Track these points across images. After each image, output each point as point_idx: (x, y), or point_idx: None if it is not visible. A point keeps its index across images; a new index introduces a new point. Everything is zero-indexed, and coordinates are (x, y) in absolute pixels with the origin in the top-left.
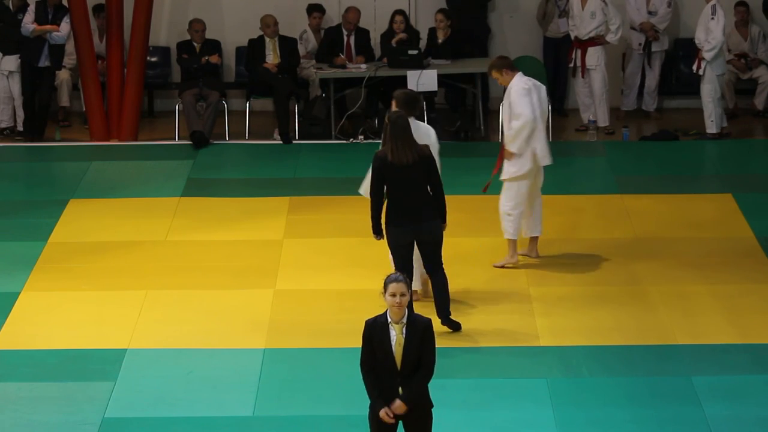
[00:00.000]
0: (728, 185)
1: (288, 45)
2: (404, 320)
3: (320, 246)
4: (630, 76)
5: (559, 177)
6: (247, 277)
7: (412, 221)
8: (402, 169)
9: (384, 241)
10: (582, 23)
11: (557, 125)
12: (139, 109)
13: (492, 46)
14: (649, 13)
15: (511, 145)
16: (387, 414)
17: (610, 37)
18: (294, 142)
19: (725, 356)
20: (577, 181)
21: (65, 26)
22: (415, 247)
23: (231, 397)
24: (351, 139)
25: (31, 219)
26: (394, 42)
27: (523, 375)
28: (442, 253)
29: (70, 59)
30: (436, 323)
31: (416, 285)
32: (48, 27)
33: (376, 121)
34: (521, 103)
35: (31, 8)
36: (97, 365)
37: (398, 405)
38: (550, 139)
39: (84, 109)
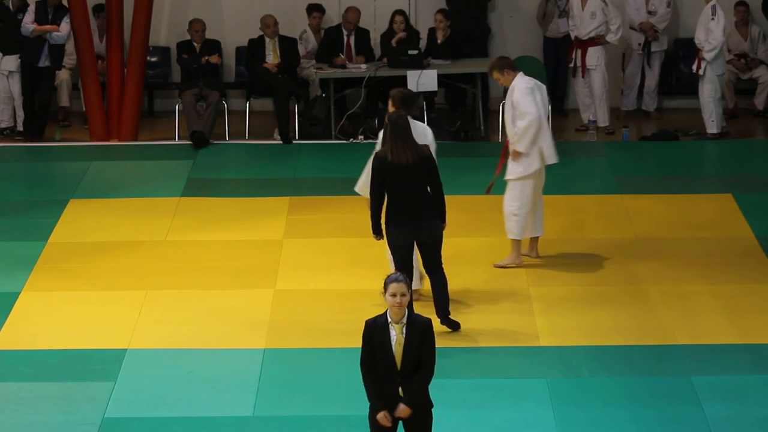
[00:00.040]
0: (728, 185)
1: (288, 45)
2: (404, 320)
3: (320, 246)
4: (630, 76)
5: (559, 177)
6: (247, 277)
7: (412, 221)
8: (402, 169)
9: (383, 242)
10: (582, 23)
11: (557, 125)
12: (139, 109)
13: (492, 46)
14: (649, 12)
15: (518, 145)
16: (385, 417)
17: (611, 37)
18: (294, 142)
19: (725, 356)
20: (577, 181)
21: (65, 26)
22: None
23: (231, 397)
24: (351, 139)
25: (31, 219)
26: (394, 41)
27: (523, 375)
28: (442, 253)
29: (70, 59)
30: (436, 323)
31: (416, 284)
32: (48, 27)
33: (376, 121)
34: (525, 102)
35: (31, 8)
36: (97, 365)
37: (402, 409)
38: None
39: (84, 109)
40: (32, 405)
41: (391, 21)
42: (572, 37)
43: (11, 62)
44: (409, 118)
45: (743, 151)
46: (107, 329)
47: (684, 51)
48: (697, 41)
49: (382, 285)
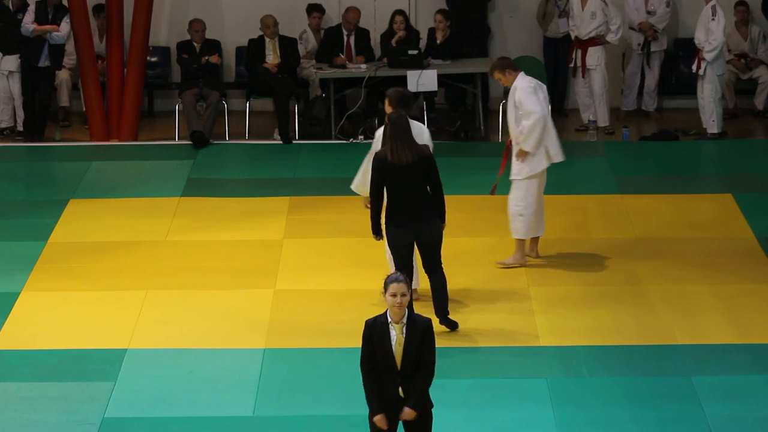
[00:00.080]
0: (728, 185)
1: (288, 45)
2: (404, 320)
3: (320, 246)
4: (629, 76)
5: (559, 177)
6: (247, 277)
7: (412, 221)
8: (402, 169)
9: (383, 242)
10: (582, 23)
11: (557, 125)
12: (139, 109)
13: (492, 46)
14: (648, 12)
15: (524, 145)
16: (383, 420)
17: (611, 37)
18: (294, 142)
19: (725, 356)
20: (577, 181)
21: (65, 26)
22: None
23: (231, 397)
24: (351, 139)
25: (31, 219)
26: (393, 41)
27: (523, 375)
28: (442, 253)
29: (70, 59)
30: (435, 322)
31: (415, 284)
32: (48, 27)
33: (376, 121)
34: (529, 101)
35: (31, 8)
36: (97, 365)
37: (407, 413)
38: None
39: (84, 109)
40: (32, 405)
41: (391, 21)
42: (572, 37)
43: (11, 62)
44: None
45: (743, 151)
46: (107, 329)
47: (684, 51)
48: (697, 41)
49: (382, 285)
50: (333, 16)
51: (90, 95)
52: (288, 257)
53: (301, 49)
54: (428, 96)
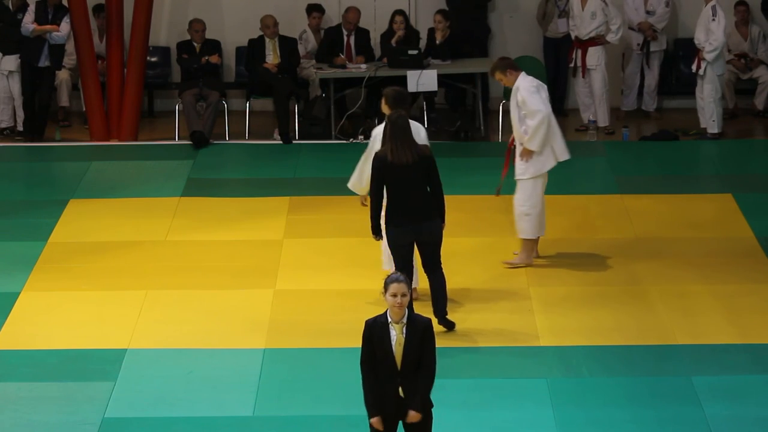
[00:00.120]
0: (728, 185)
1: (288, 45)
2: (404, 320)
3: (320, 246)
4: (629, 76)
5: (559, 177)
6: (247, 277)
7: (412, 221)
8: (402, 169)
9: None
10: (582, 23)
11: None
12: (139, 109)
13: (492, 46)
14: (647, 12)
15: (530, 144)
16: (379, 422)
17: (611, 37)
18: (294, 142)
19: (725, 356)
20: (577, 181)
21: (65, 26)
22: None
23: (231, 397)
24: (351, 139)
25: (31, 219)
26: (393, 41)
27: (523, 375)
28: (442, 253)
29: (70, 59)
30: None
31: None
32: (48, 27)
33: (376, 121)
34: (533, 100)
35: (31, 8)
36: (97, 365)
37: (413, 415)
38: None
39: (84, 109)
40: (32, 405)
41: (391, 21)
42: (572, 37)
43: (11, 62)
44: None
45: (743, 151)
46: (107, 329)
47: (684, 51)
48: (697, 41)
49: (383, 285)
50: (333, 16)
51: (90, 95)
52: (288, 257)
53: (301, 49)
54: (428, 96)
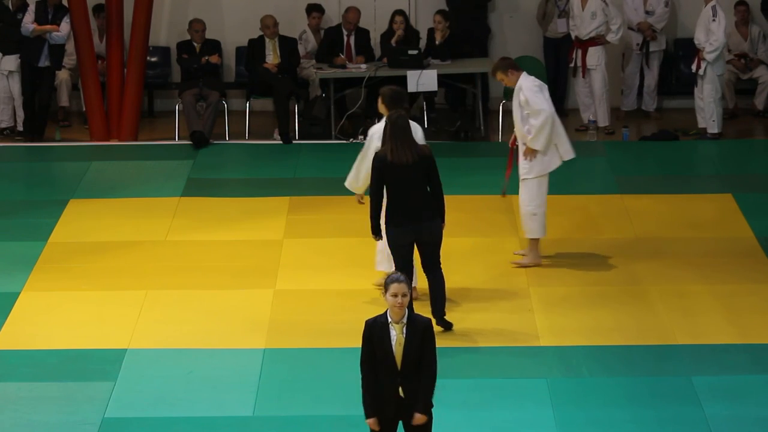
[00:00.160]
0: (728, 185)
1: (288, 45)
2: (404, 320)
3: (320, 246)
4: (629, 76)
5: (559, 177)
6: (247, 277)
7: (412, 221)
8: (402, 169)
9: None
10: (582, 23)
11: None
12: (139, 109)
13: (492, 46)
14: (647, 12)
15: (534, 143)
16: (375, 423)
17: (611, 37)
18: (294, 142)
19: (725, 356)
20: (577, 181)
21: (65, 26)
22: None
23: (231, 397)
24: (351, 139)
25: (31, 219)
26: (393, 41)
27: (523, 375)
28: (441, 253)
29: (70, 59)
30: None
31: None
32: (48, 27)
33: (376, 121)
34: (537, 100)
35: (31, 8)
36: (97, 365)
37: (418, 418)
38: None
39: (84, 109)
40: (32, 405)
41: (391, 21)
42: (572, 37)
43: (11, 62)
44: None
45: (743, 151)
46: (107, 329)
47: (683, 51)
48: (697, 42)
49: (383, 285)
50: (333, 16)
51: (90, 95)
52: (288, 257)
53: (301, 49)
54: (428, 96)
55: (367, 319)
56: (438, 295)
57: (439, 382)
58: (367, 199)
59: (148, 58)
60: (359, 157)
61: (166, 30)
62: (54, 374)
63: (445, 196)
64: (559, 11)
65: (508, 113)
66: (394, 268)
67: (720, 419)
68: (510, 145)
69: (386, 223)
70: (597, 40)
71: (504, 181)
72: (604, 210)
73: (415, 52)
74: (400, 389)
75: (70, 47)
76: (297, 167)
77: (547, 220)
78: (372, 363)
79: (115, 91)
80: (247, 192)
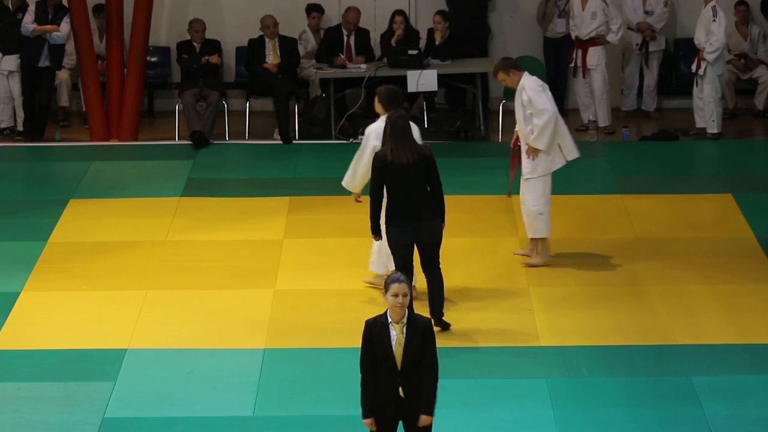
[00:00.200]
0: (728, 185)
1: (288, 45)
2: (404, 320)
3: (320, 246)
4: (629, 76)
5: (559, 177)
6: (247, 277)
7: (412, 221)
8: (402, 169)
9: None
10: (582, 23)
11: None
12: (139, 109)
13: (492, 46)
14: (646, 12)
15: (537, 142)
16: (372, 424)
17: (611, 37)
18: (294, 142)
19: (725, 356)
20: (577, 181)
21: (65, 26)
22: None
23: (231, 397)
24: (351, 139)
25: (31, 219)
26: (393, 41)
27: (523, 375)
28: (441, 253)
29: (70, 59)
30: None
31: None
32: (48, 27)
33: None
34: (540, 99)
35: (31, 8)
36: (97, 365)
37: (424, 419)
38: None
39: (84, 109)
40: (32, 405)
41: (391, 21)
42: (573, 37)
43: (11, 62)
44: None
45: (743, 151)
46: (107, 329)
47: (683, 51)
48: (697, 42)
49: (383, 285)
50: (333, 16)
51: (90, 95)
52: (288, 257)
53: (301, 49)
54: (428, 96)
55: (367, 319)
56: (436, 296)
57: (439, 382)
58: (364, 198)
59: (148, 58)
60: (356, 156)
61: (166, 30)
62: (54, 374)
63: (445, 196)
64: (559, 11)
65: (508, 113)
66: (385, 271)
67: (720, 419)
68: (512, 146)
69: (386, 222)
70: (597, 40)
71: (509, 181)
72: (604, 210)
73: (415, 52)
74: (400, 389)
75: (70, 47)
76: (297, 167)
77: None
78: (372, 363)
79: (115, 91)
80: (247, 192)
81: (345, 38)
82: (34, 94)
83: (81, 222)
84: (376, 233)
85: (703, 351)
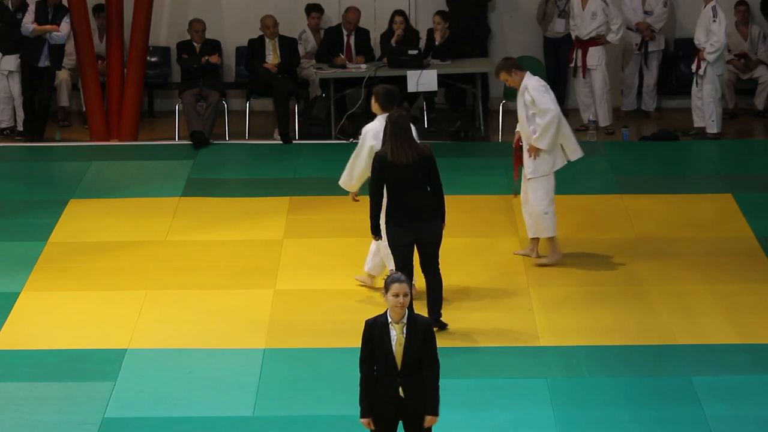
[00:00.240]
0: (728, 185)
1: (288, 45)
2: (404, 320)
3: (320, 246)
4: (628, 76)
5: (559, 177)
6: (247, 277)
7: (412, 221)
8: (402, 169)
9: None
10: (583, 23)
11: None
12: (139, 109)
13: (492, 46)
14: (645, 12)
15: (539, 142)
16: (369, 423)
17: (611, 37)
18: (294, 142)
19: (725, 356)
20: (577, 181)
21: (65, 26)
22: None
23: (231, 397)
24: (351, 139)
25: (31, 219)
26: (393, 41)
27: (523, 375)
28: (441, 252)
29: (70, 59)
30: None
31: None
32: (48, 27)
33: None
34: (543, 99)
35: (31, 8)
36: (97, 365)
37: (429, 420)
38: None
39: (84, 109)
40: (32, 405)
41: (391, 21)
42: (573, 37)
43: (11, 62)
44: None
45: (743, 151)
46: (107, 329)
47: (683, 51)
48: (697, 42)
49: (383, 285)
50: (333, 16)
51: (90, 95)
52: (288, 257)
53: (301, 49)
54: (428, 96)
55: (367, 319)
56: (435, 296)
57: (439, 382)
58: (362, 197)
59: (148, 58)
60: (353, 156)
61: (166, 30)
62: (54, 374)
63: (445, 196)
64: (559, 11)
65: (508, 113)
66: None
67: (720, 419)
68: (514, 146)
69: (386, 222)
70: (597, 40)
71: (514, 182)
72: (604, 210)
73: (415, 52)
74: (400, 389)
75: (70, 47)
76: (297, 167)
77: None
78: (372, 363)
79: (115, 91)
80: (247, 192)
81: (345, 38)
82: (34, 94)
83: (81, 222)
84: (376, 233)
85: (703, 351)
